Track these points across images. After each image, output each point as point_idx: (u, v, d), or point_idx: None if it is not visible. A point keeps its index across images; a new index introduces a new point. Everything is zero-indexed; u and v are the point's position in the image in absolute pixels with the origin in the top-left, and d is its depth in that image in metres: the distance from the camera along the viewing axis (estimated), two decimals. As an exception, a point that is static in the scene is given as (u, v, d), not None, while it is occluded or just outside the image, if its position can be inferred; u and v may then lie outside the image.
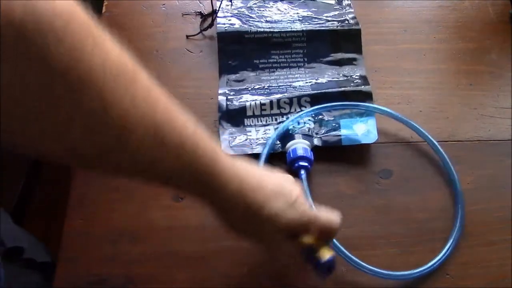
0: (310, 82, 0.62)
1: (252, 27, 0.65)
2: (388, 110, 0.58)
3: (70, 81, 0.26)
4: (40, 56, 0.24)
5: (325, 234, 0.44)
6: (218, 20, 0.66)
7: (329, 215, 0.44)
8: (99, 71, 0.27)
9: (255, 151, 0.56)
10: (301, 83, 0.62)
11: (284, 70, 0.64)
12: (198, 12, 0.69)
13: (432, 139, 0.57)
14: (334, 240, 0.48)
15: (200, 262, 0.49)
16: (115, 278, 0.48)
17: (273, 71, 0.64)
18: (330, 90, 0.60)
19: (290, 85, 0.62)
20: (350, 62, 0.64)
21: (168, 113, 0.33)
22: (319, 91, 0.60)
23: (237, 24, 0.65)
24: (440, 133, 0.59)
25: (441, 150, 0.57)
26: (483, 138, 0.60)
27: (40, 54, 0.24)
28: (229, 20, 0.66)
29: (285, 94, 0.60)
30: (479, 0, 0.73)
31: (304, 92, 0.60)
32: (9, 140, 0.27)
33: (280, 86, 0.62)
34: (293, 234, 0.43)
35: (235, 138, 0.58)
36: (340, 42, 0.65)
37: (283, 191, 0.42)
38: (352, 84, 0.62)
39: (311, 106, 0.59)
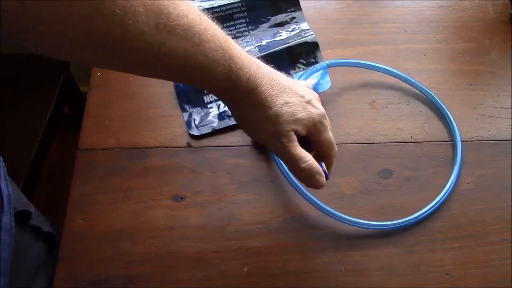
0: (256, 45, 0.64)
1: None
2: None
3: None
4: None
5: (324, 151, 0.46)
6: None
7: (331, 140, 0.46)
8: None
9: (221, 126, 0.58)
10: (248, 48, 0.64)
11: None
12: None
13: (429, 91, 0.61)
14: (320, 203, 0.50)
15: (200, 262, 0.50)
16: (115, 278, 0.48)
17: None
18: (276, 49, 0.62)
19: None
20: (291, 20, 0.66)
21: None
22: (266, 53, 0.62)
23: None
24: (440, 133, 0.59)
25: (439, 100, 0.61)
26: (483, 138, 0.60)
27: None
28: None
29: None
30: (479, 0, 0.73)
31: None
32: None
33: None
34: (299, 137, 0.43)
35: (199, 118, 0.59)
36: (278, 4, 0.66)
37: (297, 90, 0.43)
38: (296, 38, 0.64)
39: None
